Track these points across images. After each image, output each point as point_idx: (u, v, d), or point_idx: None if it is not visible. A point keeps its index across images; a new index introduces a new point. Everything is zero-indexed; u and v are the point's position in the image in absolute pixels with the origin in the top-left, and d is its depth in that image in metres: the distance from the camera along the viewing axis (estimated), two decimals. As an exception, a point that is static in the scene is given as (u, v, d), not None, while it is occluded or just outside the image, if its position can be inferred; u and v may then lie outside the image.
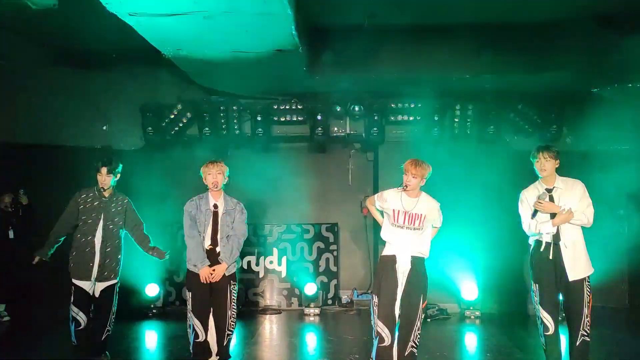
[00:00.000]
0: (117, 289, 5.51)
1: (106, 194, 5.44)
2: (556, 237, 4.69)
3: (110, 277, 5.42)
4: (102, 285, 5.39)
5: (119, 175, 5.50)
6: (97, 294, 5.38)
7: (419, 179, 4.72)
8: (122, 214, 5.51)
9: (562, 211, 4.61)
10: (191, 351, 5.08)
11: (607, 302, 7.99)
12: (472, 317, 7.93)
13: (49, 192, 7.53)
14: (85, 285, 5.31)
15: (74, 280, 5.32)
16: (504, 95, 8.17)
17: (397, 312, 4.73)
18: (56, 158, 8.10)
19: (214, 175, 5.04)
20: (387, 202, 4.83)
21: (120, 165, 5.51)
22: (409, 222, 4.74)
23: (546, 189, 4.77)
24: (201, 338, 4.99)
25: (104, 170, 5.38)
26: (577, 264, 4.66)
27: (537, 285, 4.77)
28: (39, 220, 7.47)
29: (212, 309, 5.08)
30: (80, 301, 5.30)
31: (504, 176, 7.42)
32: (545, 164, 4.71)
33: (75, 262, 5.33)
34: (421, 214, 4.75)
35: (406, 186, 4.71)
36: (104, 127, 8.60)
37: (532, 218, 4.74)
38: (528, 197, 4.83)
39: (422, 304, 4.75)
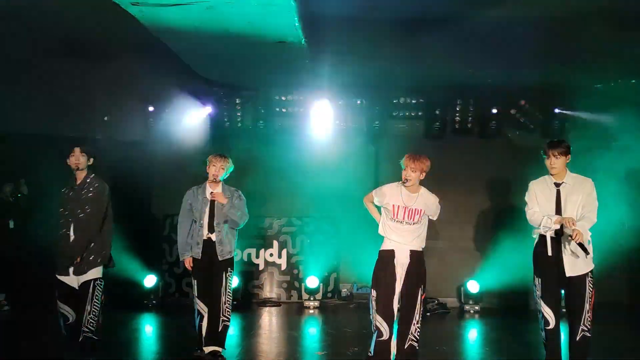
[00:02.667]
0: (100, 282, 5.15)
1: (77, 180, 5.21)
2: (558, 232, 4.67)
3: (89, 269, 5.11)
4: (82, 279, 5.12)
5: (92, 160, 5.25)
6: (78, 288, 5.15)
7: (419, 172, 4.69)
8: (94, 200, 5.13)
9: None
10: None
11: (606, 298, 7.98)
12: (472, 311, 7.94)
13: (49, 183, 7.51)
14: (67, 280, 5.13)
15: (57, 275, 5.17)
16: (505, 90, 8.14)
17: (395, 306, 4.73)
18: (57, 148, 8.06)
19: (217, 168, 5.19)
20: (387, 197, 4.80)
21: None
22: (409, 217, 4.72)
23: (555, 183, 4.75)
24: (205, 320, 5.18)
25: (77, 150, 5.18)
26: (578, 260, 4.64)
27: (538, 279, 4.76)
28: (39, 211, 7.45)
29: None
30: (65, 296, 5.15)
31: (506, 171, 7.41)
32: (555, 162, 4.66)
33: (58, 257, 5.16)
34: (420, 209, 4.74)
35: (406, 181, 4.69)
36: (105, 118, 8.57)
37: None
38: (536, 189, 4.81)
39: (422, 295, 4.76)
